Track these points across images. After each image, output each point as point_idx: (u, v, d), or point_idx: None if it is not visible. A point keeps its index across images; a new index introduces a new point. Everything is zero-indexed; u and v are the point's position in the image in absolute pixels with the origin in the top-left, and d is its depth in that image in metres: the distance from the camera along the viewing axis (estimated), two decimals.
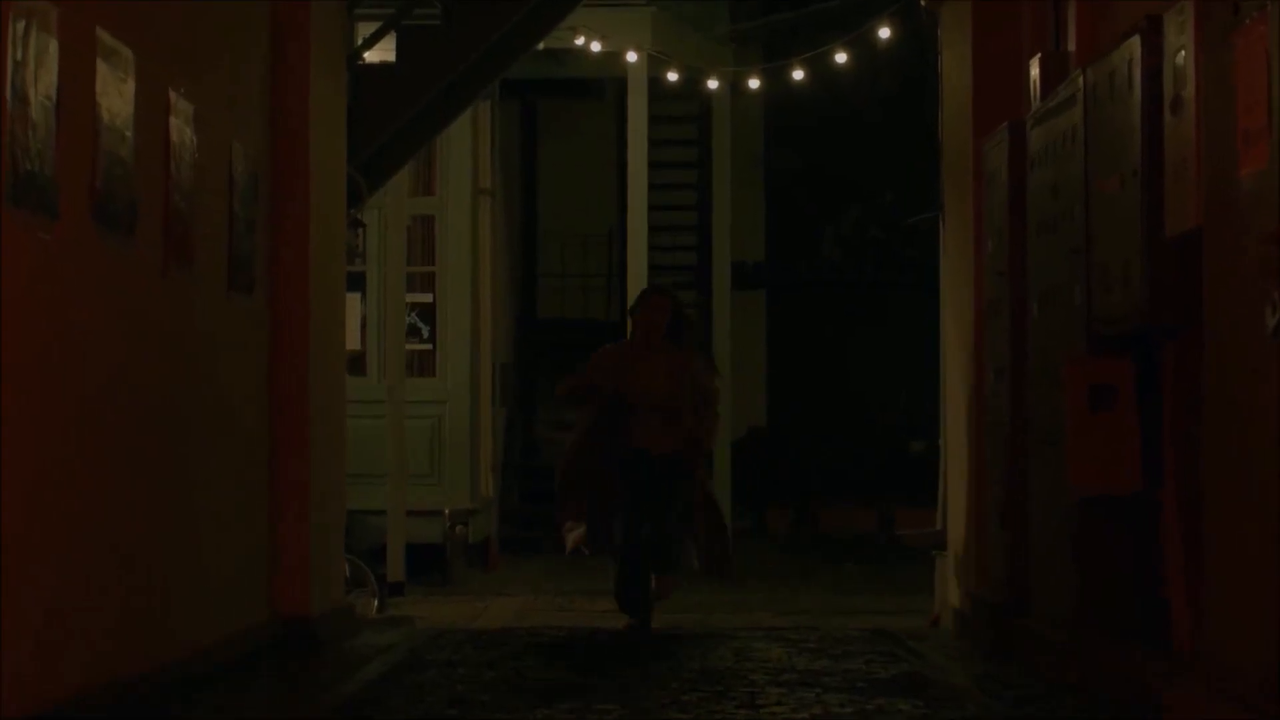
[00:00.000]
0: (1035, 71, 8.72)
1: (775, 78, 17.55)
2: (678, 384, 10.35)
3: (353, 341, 13.97)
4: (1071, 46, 8.69)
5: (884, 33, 15.99)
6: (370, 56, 11.37)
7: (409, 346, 15.47)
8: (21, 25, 5.75)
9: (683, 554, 10.56)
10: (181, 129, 7.53)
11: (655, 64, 17.02)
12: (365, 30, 11.70)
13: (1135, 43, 6.85)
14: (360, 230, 13.03)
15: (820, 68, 16.86)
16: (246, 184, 8.67)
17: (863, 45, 16.41)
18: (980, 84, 9.82)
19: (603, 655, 9.02)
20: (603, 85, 20.91)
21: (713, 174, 18.99)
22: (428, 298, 16.20)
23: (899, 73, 20.79)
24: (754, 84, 17.81)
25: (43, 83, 5.91)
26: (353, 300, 13.66)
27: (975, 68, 9.86)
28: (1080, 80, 7.60)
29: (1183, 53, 6.34)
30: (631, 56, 16.75)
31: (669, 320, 10.50)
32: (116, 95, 6.67)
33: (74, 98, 6.23)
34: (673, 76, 17.19)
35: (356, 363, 14.93)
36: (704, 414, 10.47)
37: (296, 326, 9.35)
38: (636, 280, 16.46)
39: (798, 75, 17.02)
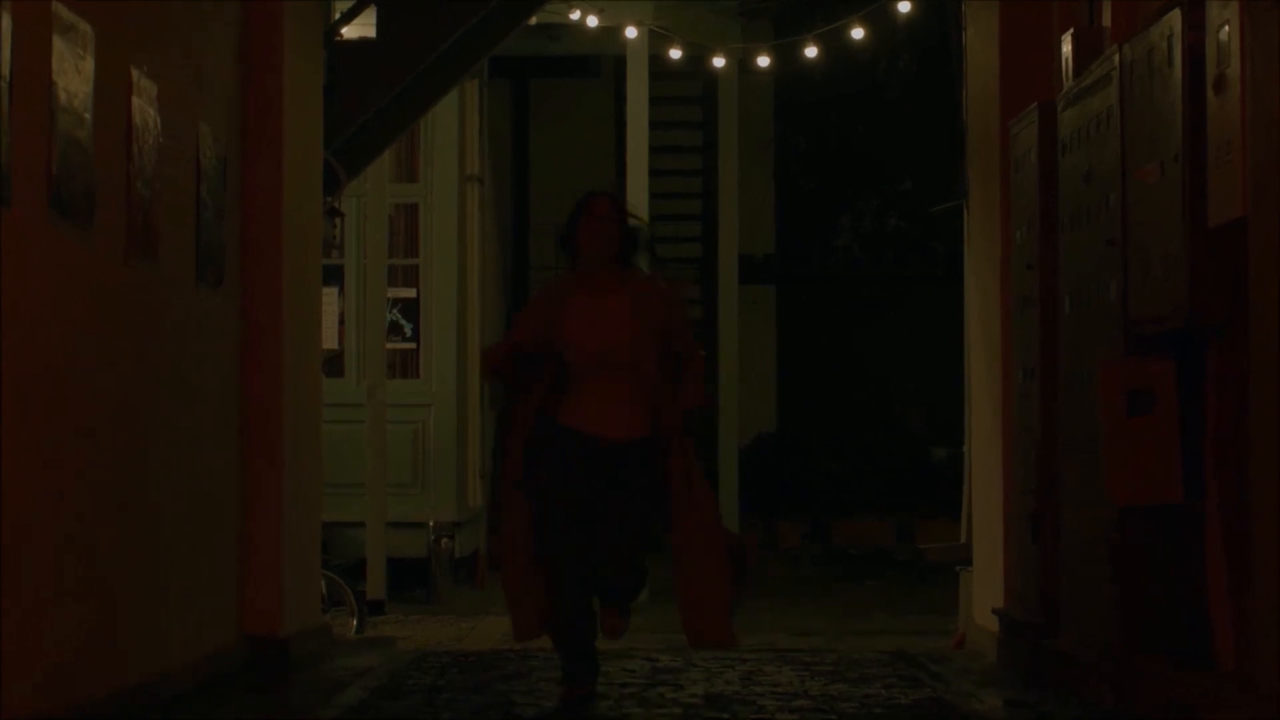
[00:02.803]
0: (1067, 48, 8.71)
1: (786, 55, 17.54)
2: (640, 330, 7.89)
3: (330, 340, 13.98)
4: (1106, 21, 8.68)
5: (904, 6, 15.98)
6: (348, 32, 11.38)
7: (390, 345, 15.47)
8: None
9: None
10: (144, 110, 7.53)
11: (657, 40, 17.01)
12: (343, 4, 11.71)
13: (1175, 17, 6.85)
14: (338, 220, 13.03)
15: (835, 44, 16.85)
16: (215, 169, 8.67)
17: (881, 20, 16.40)
18: (1008, 61, 9.81)
19: (600, 680, 9.01)
20: (600, 63, 20.92)
21: (719, 159, 18.98)
22: (411, 292, 16.20)
23: (920, 50, 20.80)
24: (763, 62, 17.80)
25: None
26: (329, 295, 13.66)
27: (1002, 44, 9.85)
28: (1116, 58, 7.60)
29: (1226, 27, 6.34)
30: (631, 32, 16.74)
31: (619, 236, 8.06)
32: (74, 73, 6.67)
33: (28, 77, 6.22)
34: (676, 54, 17.18)
35: (334, 363, 14.94)
36: (687, 364, 7.96)
37: (269, 323, 9.35)
38: None
39: (811, 52, 17.01)
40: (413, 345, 16.20)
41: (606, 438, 7.81)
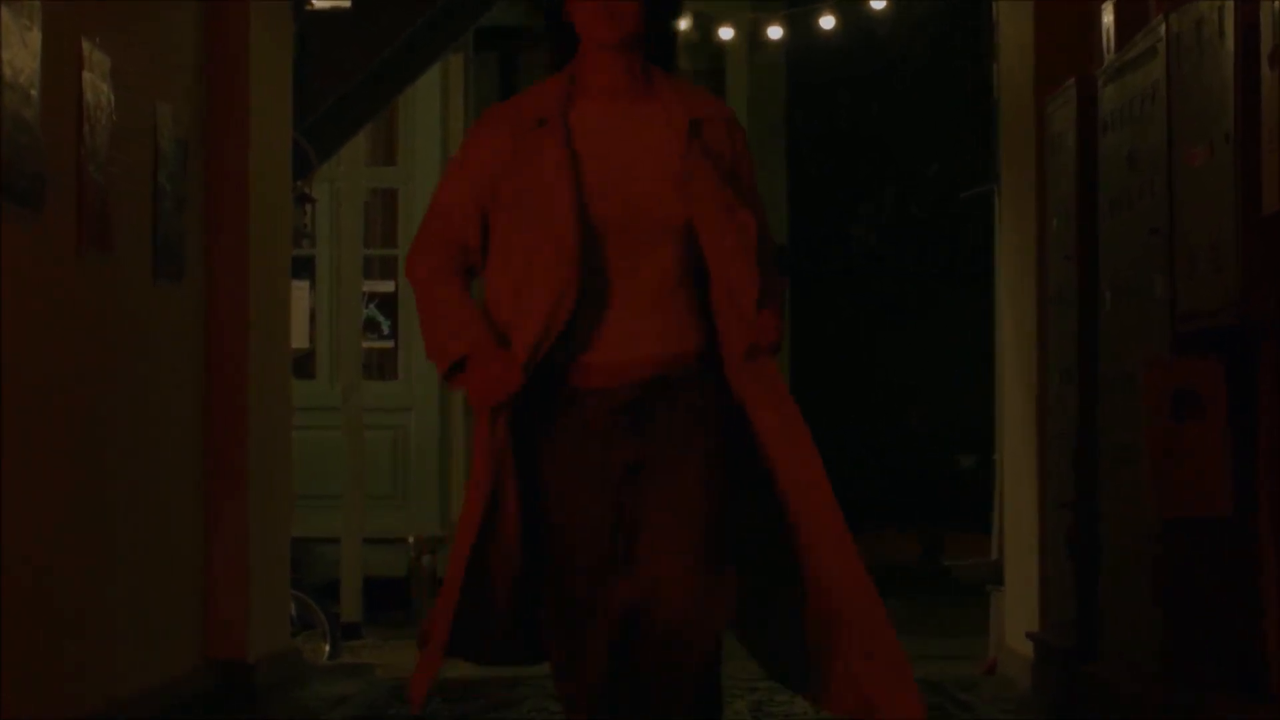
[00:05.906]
0: (1108, 18, 8.70)
1: (800, 27, 17.54)
2: (699, 163, 4.90)
3: (300, 338, 13.97)
4: None
5: None
6: (320, 1, 11.36)
7: (367, 344, 15.45)
8: None
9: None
10: (97, 86, 7.52)
11: None
12: None
13: None
14: (309, 207, 13.02)
15: (854, 15, 16.85)
16: (175, 153, 8.66)
17: None
18: (1043, 33, 9.80)
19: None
20: None
21: None
22: (389, 286, 16.18)
23: (947, 20, 20.80)
24: (775, 34, 17.80)
25: None
26: (300, 289, 13.66)
27: (1038, 13, 9.84)
28: (1162, 29, 7.59)
29: None
30: None
31: (640, 8, 4.96)
32: (20, 46, 6.66)
33: None
34: (680, 24, 17.19)
35: (304, 363, 14.93)
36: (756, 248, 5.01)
37: (234, 320, 9.35)
38: None
39: (827, 24, 17.01)
40: (391, 344, 16.17)
41: (635, 374, 4.94)
